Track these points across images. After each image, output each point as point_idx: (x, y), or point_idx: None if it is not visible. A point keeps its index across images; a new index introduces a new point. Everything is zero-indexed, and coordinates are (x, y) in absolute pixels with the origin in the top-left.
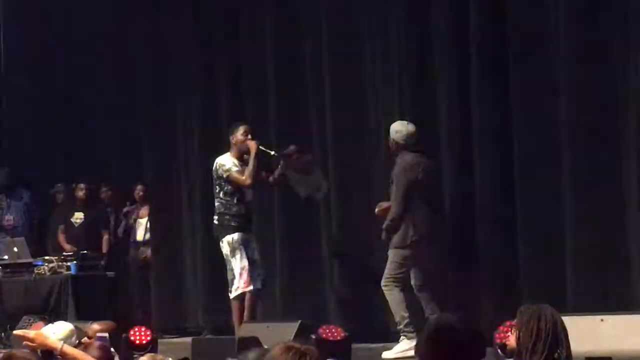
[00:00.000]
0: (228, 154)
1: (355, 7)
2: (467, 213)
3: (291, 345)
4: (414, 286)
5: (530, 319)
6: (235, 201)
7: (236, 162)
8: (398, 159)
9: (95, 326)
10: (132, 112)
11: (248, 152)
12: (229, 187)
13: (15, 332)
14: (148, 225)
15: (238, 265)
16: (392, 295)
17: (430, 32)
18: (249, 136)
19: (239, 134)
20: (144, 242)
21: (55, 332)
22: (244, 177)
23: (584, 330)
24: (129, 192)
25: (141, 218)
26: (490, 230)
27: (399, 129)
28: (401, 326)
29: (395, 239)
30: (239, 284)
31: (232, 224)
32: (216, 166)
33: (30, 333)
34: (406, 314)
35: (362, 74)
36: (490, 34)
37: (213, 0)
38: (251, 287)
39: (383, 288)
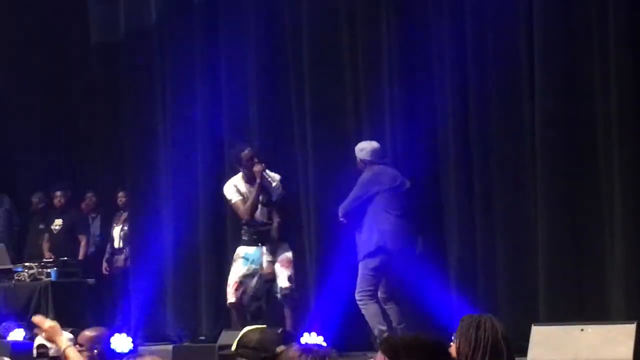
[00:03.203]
0: (239, 175)
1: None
2: (444, 222)
3: (307, 347)
4: (379, 298)
5: (469, 328)
6: None
7: (243, 187)
8: (366, 170)
9: (87, 333)
10: (115, 119)
11: (254, 177)
12: None
13: (34, 317)
14: (121, 233)
15: (231, 277)
16: (368, 309)
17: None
18: (255, 159)
19: (244, 159)
20: (120, 250)
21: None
22: (242, 211)
23: (564, 340)
24: (111, 198)
25: (117, 225)
26: (466, 240)
27: (363, 147)
28: (380, 339)
29: (361, 249)
30: (228, 294)
31: (243, 237)
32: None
33: (47, 322)
34: (384, 327)
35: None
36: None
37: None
38: (230, 301)
39: (358, 303)
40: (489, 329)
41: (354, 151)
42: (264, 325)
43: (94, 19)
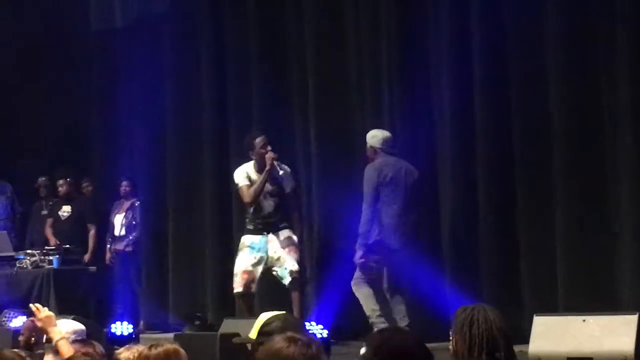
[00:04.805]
0: (251, 163)
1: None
2: (459, 214)
3: (293, 336)
4: (385, 290)
5: (463, 326)
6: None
7: (253, 174)
8: (368, 166)
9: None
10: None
11: (265, 165)
12: None
13: (32, 304)
14: (123, 221)
15: (238, 266)
16: (360, 292)
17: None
18: (269, 147)
19: (258, 146)
20: (122, 237)
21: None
22: (246, 194)
23: (566, 331)
24: (114, 187)
25: (119, 213)
26: (477, 231)
27: (375, 134)
28: (372, 319)
29: (361, 240)
30: (235, 284)
31: (247, 226)
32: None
33: (44, 312)
34: (376, 307)
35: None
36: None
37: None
38: (237, 290)
39: (352, 287)
40: (483, 324)
41: (365, 139)
42: (284, 312)
43: (94, 6)
